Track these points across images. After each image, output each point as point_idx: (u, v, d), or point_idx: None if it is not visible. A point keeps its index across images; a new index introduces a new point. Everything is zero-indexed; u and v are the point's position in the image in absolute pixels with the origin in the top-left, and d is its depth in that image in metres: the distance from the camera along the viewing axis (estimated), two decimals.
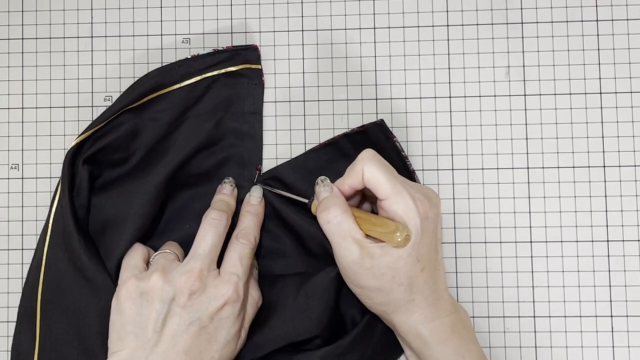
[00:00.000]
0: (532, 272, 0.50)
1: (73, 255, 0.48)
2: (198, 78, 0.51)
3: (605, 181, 0.51)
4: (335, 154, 0.50)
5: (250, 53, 0.52)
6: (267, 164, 0.52)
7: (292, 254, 0.51)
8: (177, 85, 0.51)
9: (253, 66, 0.52)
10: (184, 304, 0.43)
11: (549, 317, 0.50)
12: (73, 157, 0.49)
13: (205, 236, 0.46)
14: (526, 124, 0.51)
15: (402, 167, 0.50)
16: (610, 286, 0.50)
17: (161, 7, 0.54)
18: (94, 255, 0.47)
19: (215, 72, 0.51)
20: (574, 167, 0.51)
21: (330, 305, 0.47)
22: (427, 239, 0.43)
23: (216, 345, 0.44)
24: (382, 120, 0.50)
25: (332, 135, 0.52)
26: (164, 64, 0.52)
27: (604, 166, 0.51)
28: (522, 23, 0.52)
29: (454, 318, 0.45)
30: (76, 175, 0.49)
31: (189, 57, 0.51)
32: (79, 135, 0.49)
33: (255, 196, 0.49)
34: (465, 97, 0.52)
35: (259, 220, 0.49)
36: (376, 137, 0.50)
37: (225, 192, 0.49)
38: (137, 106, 0.50)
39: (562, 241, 0.51)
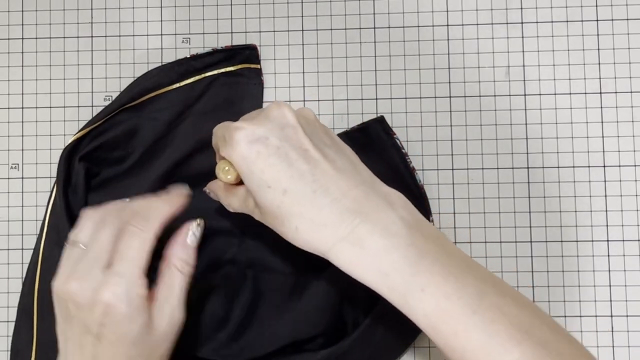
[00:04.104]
0: (533, 272, 0.50)
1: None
2: (197, 78, 0.51)
3: (605, 181, 0.51)
4: None
5: (249, 53, 0.52)
6: None
7: (294, 254, 0.50)
8: (176, 85, 0.51)
9: (252, 66, 0.52)
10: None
11: None
12: (70, 155, 0.49)
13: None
14: (526, 124, 0.51)
15: (402, 164, 0.50)
16: (610, 286, 0.50)
17: (161, 7, 0.54)
18: None
19: (215, 72, 0.51)
20: (574, 167, 0.51)
21: (331, 306, 0.47)
22: (267, 161, 0.38)
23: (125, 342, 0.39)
24: (382, 117, 0.50)
25: None
26: (163, 64, 0.52)
27: (604, 166, 0.51)
28: (522, 23, 0.52)
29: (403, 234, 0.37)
30: (72, 173, 0.49)
31: (188, 56, 0.51)
32: (76, 133, 0.49)
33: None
34: (465, 97, 0.52)
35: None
36: (376, 134, 0.50)
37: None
38: (136, 105, 0.50)
39: (562, 241, 0.51)
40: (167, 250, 0.42)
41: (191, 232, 0.42)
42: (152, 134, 0.51)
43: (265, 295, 0.48)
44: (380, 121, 0.50)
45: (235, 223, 0.50)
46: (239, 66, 0.52)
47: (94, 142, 0.50)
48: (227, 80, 0.51)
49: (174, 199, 0.43)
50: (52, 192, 0.50)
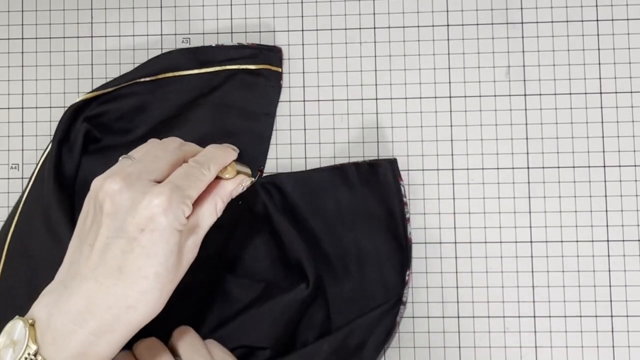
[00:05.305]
0: (532, 272, 0.50)
1: (48, 204, 0.47)
2: (217, 69, 0.51)
3: (605, 181, 0.51)
4: (339, 180, 0.50)
5: (273, 54, 0.52)
6: (267, 164, 0.52)
7: (272, 265, 0.50)
8: (196, 71, 0.51)
9: (273, 68, 0.52)
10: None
11: (549, 317, 0.50)
12: (74, 113, 0.49)
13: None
14: (526, 124, 0.51)
15: (400, 212, 0.49)
16: (610, 286, 0.50)
17: (161, 7, 0.54)
18: (67, 209, 0.47)
19: (235, 67, 0.51)
20: (574, 167, 0.51)
21: (287, 323, 0.47)
22: None
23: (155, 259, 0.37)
24: (395, 160, 0.50)
25: (332, 136, 0.52)
26: (186, 47, 0.52)
27: (604, 166, 0.51)
28: (522, 23, 0.52)
29: None
30: (72, 130, 0.49)
31: (213, 45, 0.51)
32: (87, 94, 0.49)
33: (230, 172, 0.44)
34: (465, 97, 0.52)
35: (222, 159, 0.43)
36: (384, 175, 0.49)
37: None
38: (151, 81, 0.50)
39: (562, 241, 0.51)
40: (213, 187, 0.41)
41: (242, 185, 0.42)
42: (160, 114, 0.51)
43: (233, 300, 0.48)
44: (392, 162, 0.50)
45: (228, 218, 0.50)
46: (261, 66, 0.51)
47: (101, 107, 0.50)
48: (246, 78, 0.51)
49: (232, 150, 0.43)
50: (47, 148, 0.50)
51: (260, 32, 0.53)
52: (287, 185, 0.50)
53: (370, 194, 0.50)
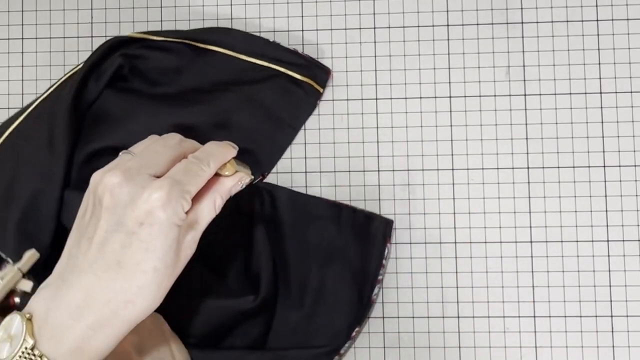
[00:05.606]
0: (532, 272, 0.50)
1: (57, 118, 0.48)
2: (264, 63, 0.51)
3: (605, 181, 0.51)
4: (332, 216, 0.50)
5: (321, 73, 0.51)
6: None
7: (230, 259, 0.50)
8: (243, 57, 0.51)
9: (316, 86, 0.51)
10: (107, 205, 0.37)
11: (549, 317, 0.50)
12: (114, 45, 0.50)
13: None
14: (526, 124, 0.51)
15: (374, 271, 0.49)
16: (610, 286, 0.50)
17: (161, 7, 0.54)
18: (73, 130, 0.48)
19: (281, 69, 0.51)
20: (574, 167, 0.51)
21: (221, 325, 0.48)
22: None
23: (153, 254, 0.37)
24: (391, 221, 0.50)
25: (332, 136, 0.52)
26: (242, 31, 0.52)
27: (604, 166, 0.51)
28: (522, 23, 0.52)
29: None
30: (106, 60, 0.50)
31: (270, 40, 0.51)
32: (134, 33, 0.50)
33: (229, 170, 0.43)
34: (465, 97, 0.52)
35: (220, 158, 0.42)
36: (375, 232, 0.50)
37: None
38: (199, 48, 0.51)
39: (562, 241, 0.51)
40: (212, 183, 0.40)
41: (241, 182, 0.42)
42: (192, 83, 0.51)
43: (180, 284, 0.48)
44: (388, 223, 0.50)
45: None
46: (306, 79, 0.51)
47: (143, 50, 0.50)
48: (287, 85, 0.51)
49: (231, 148, 0.42)
50: (75, 67, 0.51)
51: (260, 32, 0.53)
52: (281, 200, 0.50)
53: (355, 243, 0.50)
